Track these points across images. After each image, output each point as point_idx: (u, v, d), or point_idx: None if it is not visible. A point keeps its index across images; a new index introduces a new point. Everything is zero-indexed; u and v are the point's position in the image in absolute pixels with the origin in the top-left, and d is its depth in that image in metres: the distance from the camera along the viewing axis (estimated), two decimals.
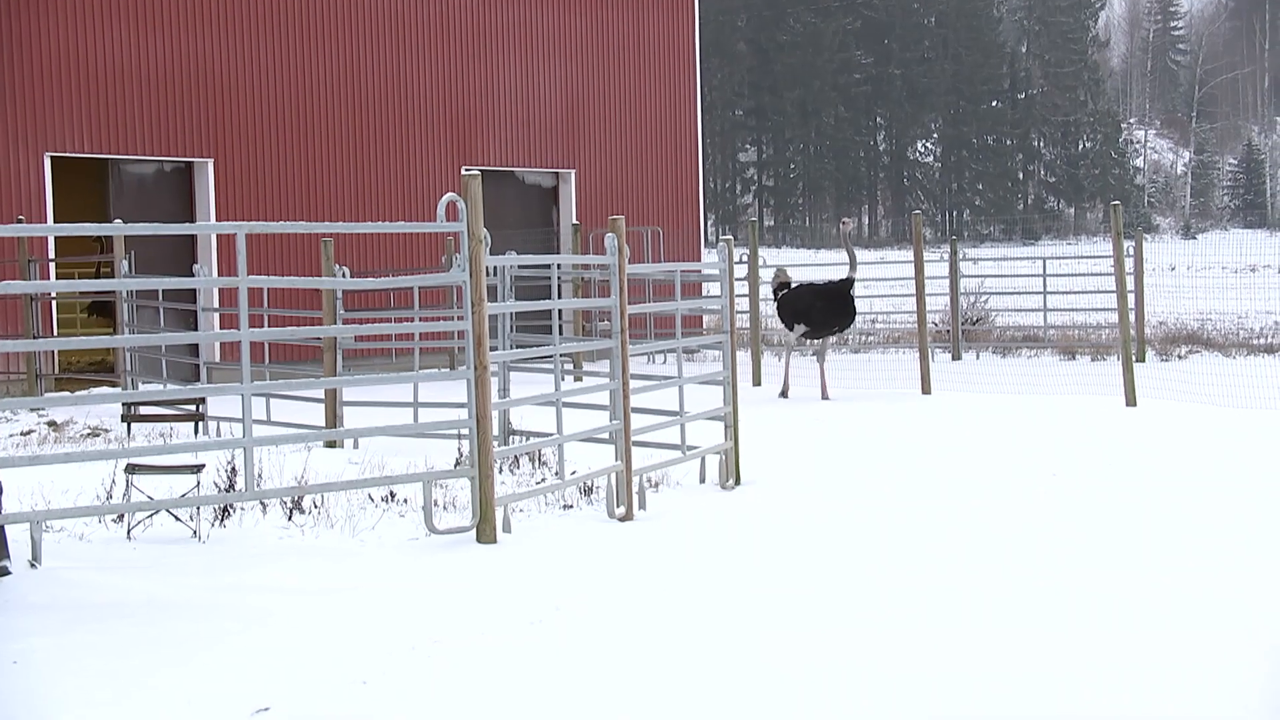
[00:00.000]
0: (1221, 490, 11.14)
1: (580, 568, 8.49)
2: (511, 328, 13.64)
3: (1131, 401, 17.10)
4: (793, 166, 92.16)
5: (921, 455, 13.38)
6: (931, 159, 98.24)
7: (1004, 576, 8.22)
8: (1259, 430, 14.64)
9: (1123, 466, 12.43)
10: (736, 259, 20.69)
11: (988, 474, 12.15)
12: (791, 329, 19.15)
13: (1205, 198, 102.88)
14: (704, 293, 27.41)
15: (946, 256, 25.30)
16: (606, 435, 10.79)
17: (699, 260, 27.76)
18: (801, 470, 12.47)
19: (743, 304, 22.41)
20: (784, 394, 18.74)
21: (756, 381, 20.56)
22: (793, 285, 19.70)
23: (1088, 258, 30.41)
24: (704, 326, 27.36)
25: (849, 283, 18.69)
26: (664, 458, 11.57)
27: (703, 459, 11.87)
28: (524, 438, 12.78)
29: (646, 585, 8.05)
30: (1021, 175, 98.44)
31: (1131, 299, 21.41)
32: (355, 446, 13.50)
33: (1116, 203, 18.75)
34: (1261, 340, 26.17)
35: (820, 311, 18.76)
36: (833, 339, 19.72)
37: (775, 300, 19.70)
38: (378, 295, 21.29)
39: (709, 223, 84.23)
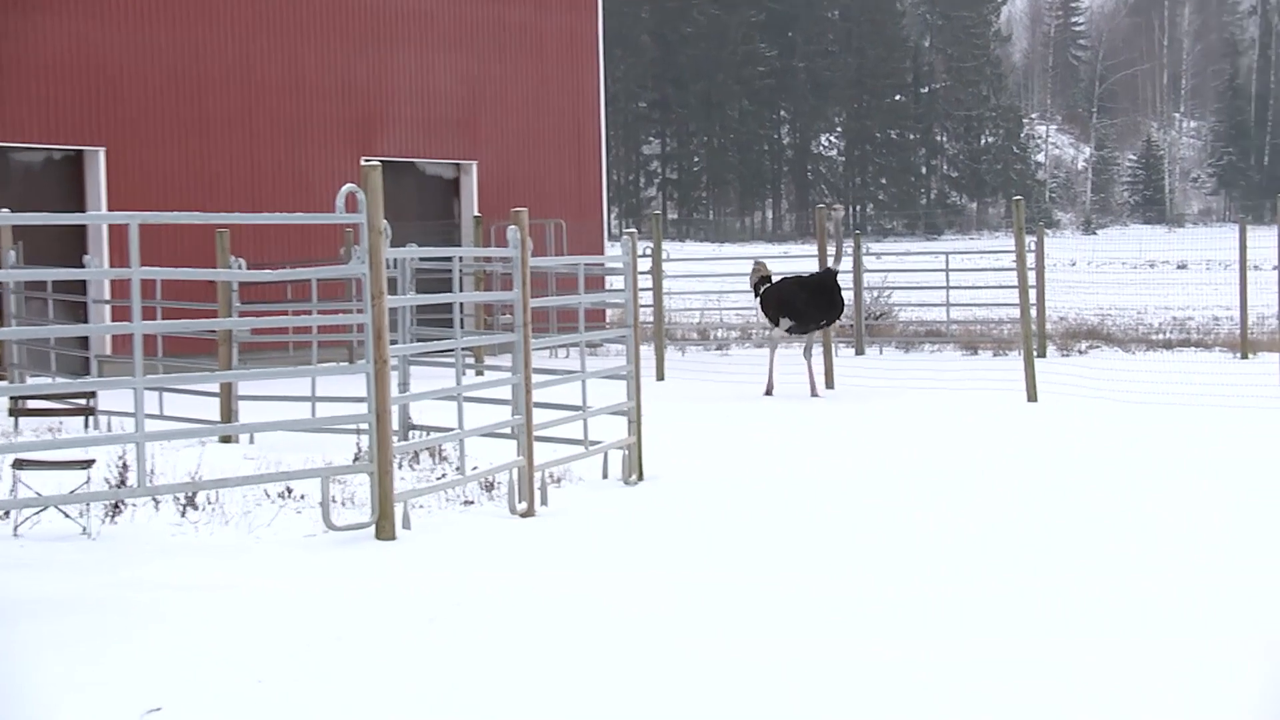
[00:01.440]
0: (1124, 486, 11.33)
1: (480, 564, 8.47)
2: (412, 321, 13.56)
3: (1033, 397, 17.34)
4: (696, 160, 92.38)
5: (825, 451, 13.50)
6: (835, 153, 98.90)
7: (906, 572, 8.31)
8: (1158, 426, 14.91)
9: (1025, 463, 12.62)
10: (640, 252, 20.69)
11: (892, 470, 12.28)
12: (776, 324, 18.69)
13: (1106, 194, 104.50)
14: (607, 287, 27.43)
15: (850, 251, 25.52)
16: (508, 430, 10.77)
17: (602, 254, 27.77)
18: (704, 466, 12.53)
19: (646, 298, 22.43)
20: (769, 392, 18.24)
21: (660, 376, 20.61)
22: (774, 279, 19.35)
23: (990, 252, 30.82)
24: (607, 321, 27.37)
25: (833, 274, 18.38)
26: (566, 453, 11.57)
27: (605, 454, 11.88)
28: (424, 433, 12.72)
29: (547, 581, 8.05)
30: (924, 170, 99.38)
31: (1033, 294, 21.68)
32: (251, 442, 13.37)
33: (1019, 198, 19.02)
34: (1160, 336, 26.65)
35: (805, 304, 18.36)
36: (818, 333, 18.98)
37: (756, 296, 19.21)
38: (275, 288, 21.05)
39: (612, 216, 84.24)
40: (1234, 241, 23.83)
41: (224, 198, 22.63)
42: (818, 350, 19.06)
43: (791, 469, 12.31)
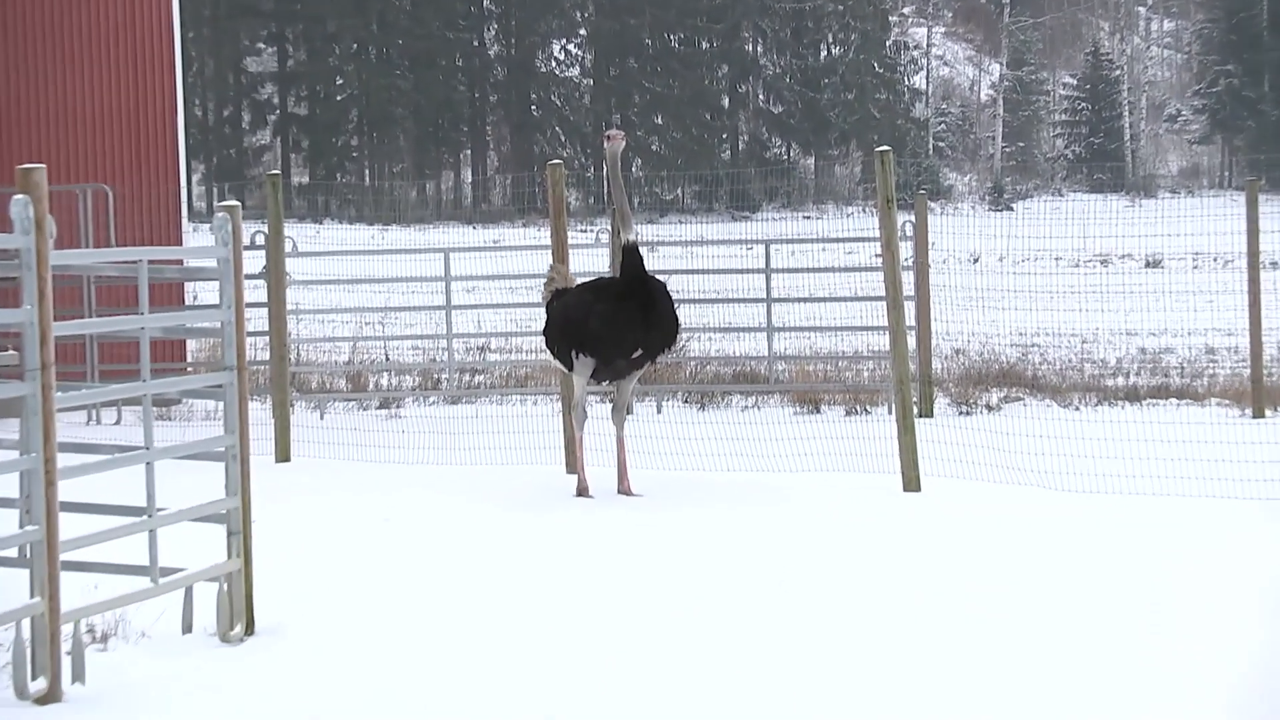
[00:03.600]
0: (1049, 637, 11.57)
1: None
2: None
3: (913, 484, 17.61)
4: (340, 83, 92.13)
5: (557, 573, 13.58)
6: (576, 72, 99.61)
7: None
8: (1117, 536, 15.13)
9: (895, 595, 12.78)
10: (248, 242, 20.50)
11: (669, 607, 12.36)
12: (570, 365, 17.93)
13: (1027, 143, 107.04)
14: (189, 300, 27.15)
15: (604, 236, 25.60)
16: (14, 553, 10.55)
17: (180, 243, 27.49)
18: (358, 603, 12.47)
19: (259, 319, 22.26)
20: (581, 491, 17.80)
21: (284, 455, 20.46)
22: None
23: (838, 240, 31.26)
24: (188, 358, 27.07)
25: (636, 255, 17.61)
26: (121, 590, 11.39)
27: (189, 592, 11.73)
28: None
29: None
30: (727, 101, 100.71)
31: (911, 311, 22.05)
32: None
33: (884, 149, 19.19)
34: (1120, 380, 27.24)
35: (607, 325, 17.45)
36: (636, 377, 18.05)
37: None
38: None
39: (196, 179, 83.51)
40: (1237, 222, 24.44)
41: None
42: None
43: (498, 604, 12.34)
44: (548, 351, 18.65)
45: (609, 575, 13.66)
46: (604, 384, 18.41)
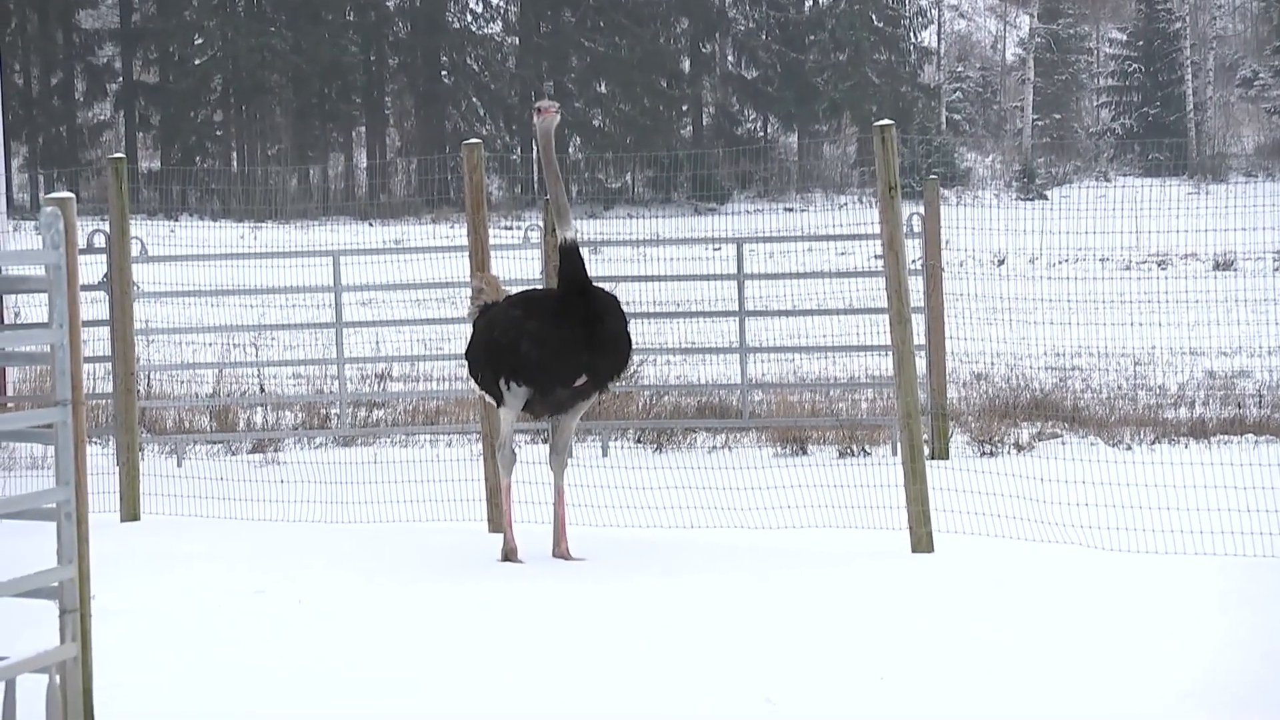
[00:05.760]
0: None
1: None
2: None
3: (924, 543, 17.59)
4: (199, 42, 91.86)
5: (473, 660, 13.63)
6: (499, 28, 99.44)
7: None
8: (1177, 601, 15.13)
9: (903, 690, 12.76)
10: (83, 243, 20.45)
11: (616, 708, 12.34)
12: (499, 398, 17.82)
13: (1064, 114, 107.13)
14: (11, 317, 27.13)
15: (535, 234, 25.50)
16: None
17: None
18: (222, 699, 12.48)
19: (99, 341, 22.18)
20: (509, 555, 17.76)
21: (131, 512, 20.41)
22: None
23: (828, 239, 31.22)
24: (9, 391, 27.02)
25: (576, 258, 17.49)
26: None
27: (9, 685, 11.68)
28: None
29: None
30: (688, 65, 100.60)
31: (920, 325, 22.07)
32: None
33: (886, 123, 19.20)
34: (1181, 411, 27.20)
35: (542, 348, 17.33)
36: (581, 411, 17.89)
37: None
38: None
39: (15, 165, 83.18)
40: None
41: None
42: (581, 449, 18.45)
43: (393, 699, 12.32)
44: (471, 380, 18.50)
45: (540, 665, 13.57)
46: (541, 420, 18.30)
